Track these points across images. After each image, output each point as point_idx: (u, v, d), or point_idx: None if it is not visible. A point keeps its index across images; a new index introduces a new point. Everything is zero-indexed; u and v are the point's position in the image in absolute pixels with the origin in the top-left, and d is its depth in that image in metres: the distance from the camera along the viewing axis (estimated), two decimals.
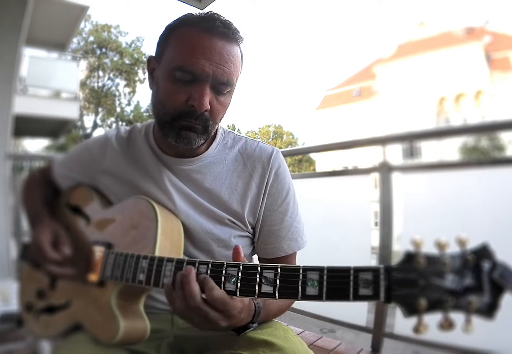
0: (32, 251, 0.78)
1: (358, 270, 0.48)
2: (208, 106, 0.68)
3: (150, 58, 0.75)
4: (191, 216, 0.75)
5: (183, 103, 0.68)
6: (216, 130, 0.80)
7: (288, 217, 0.79)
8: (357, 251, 1.71)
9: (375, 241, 1.62)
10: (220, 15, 0.71)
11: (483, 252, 0.43)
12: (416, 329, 0.43)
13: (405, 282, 0.45)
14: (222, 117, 0.75)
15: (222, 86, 0.69)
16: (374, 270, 0.47)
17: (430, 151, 20.01)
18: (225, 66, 0.68)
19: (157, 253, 0.66)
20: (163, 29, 0.73)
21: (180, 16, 0.72)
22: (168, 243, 0.69)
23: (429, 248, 0.45)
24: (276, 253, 0.78)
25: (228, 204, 0.77)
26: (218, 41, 0.67)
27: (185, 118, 0.69)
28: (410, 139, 2.27)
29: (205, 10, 0.71)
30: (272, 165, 0.78)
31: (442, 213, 1.49)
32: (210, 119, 0.71)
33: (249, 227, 0.79)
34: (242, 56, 0.74)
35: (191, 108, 0.68)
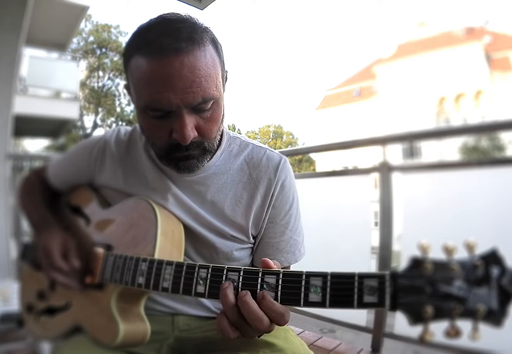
0: (39, 256, 0.76)
1: (363, 276, 0.46)
2: (194, 134, 0.62)
3: (125, 87, 0.70)
4: (193, 228, 0.74)
5: (168, 137, 0.63)
6: (222, 136, 0.77)
7: (289, 230, 0.77)
8: (357, 251, 1.71)
9: (375, 241, 1.62)
10: (170, 19, 0.61)
11: (492, 258, 0.41)
12: (422, 338, 0.42)
13: (412, 289, 0.43)
14: (219, 127, 0.69)
15: (201, 105, 0.61)
16: (379, 277, 0.45)
17: (430, 151, 20.01)
18: (192, 86, 0.58)
19: (157, 255, 0.66)
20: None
21: (132, 32, 0.63)
22: (168, 244, 0.69)
23: (430, 250, 0.44)
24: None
25: (232, 218, 0.74)
26: (174, 62, 0.57)
27: (176, 151, 0.65)
28: (410, 139, 2.27)
29: (186, 12, 0.62)
30: (279, 176, 0.75)
31: (442, 213, 1.49)
32: (205, 141, 0.66)
33: (251, 239, 0.77)
34: (216, 46, 0.64)
35: (177, 141, 0.62)
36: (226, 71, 0.70)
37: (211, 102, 0.63)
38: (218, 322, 0.54)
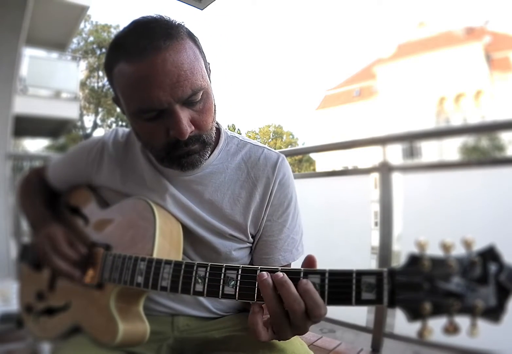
0: (40, 248, 0.75)
1: (360, 274, 0.46)
2: (191, 128, 0.63)
3: (113, 100, 0.70)
4: (191, 228, 0.74)
5: (165, 136, 0.63)
6: (220, 135, 0.77)
7: (287, 228, 0.77)
8: (357, 251, 1.71)
9: (375, 241, 1.62)
10: (142, 21, 0.62)
11: (489, 254, 0.42)
12: (420, 334, 0.42)
13: (409, 285, 0.44)
14: (214, 118, 0.69)
15: (192, 97, 0.61)
16: (377, 274, 0.45)
17: (430, 151, 20.01)
18: (179, 80, 0.59)
19: (156, 254, 0.66)
20: (104, 69, 0.66)
21: (110, 42, 0.64)
22: (167, 243, 0.69)
23: (430, 248, 0.44)
24: (271, 263, 0.76)
25: (230, 217, 0.74)
26: (156, 60, 0.57)
27: (176, 148, 0.65)
28: (410, 139, 2.27)
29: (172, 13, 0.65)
30: (276, 175, 0.75)
31: (442, 213, 1.49)
32: (202, 134, 0.66)
33: (250, 238, 0.77)
34: (194, 39, 0.65)
35: (176, 139, 0.63)
36: (209, 63, 0.70)
37: (201, 93, 0.63)
38: (251, 322, 0.54)
